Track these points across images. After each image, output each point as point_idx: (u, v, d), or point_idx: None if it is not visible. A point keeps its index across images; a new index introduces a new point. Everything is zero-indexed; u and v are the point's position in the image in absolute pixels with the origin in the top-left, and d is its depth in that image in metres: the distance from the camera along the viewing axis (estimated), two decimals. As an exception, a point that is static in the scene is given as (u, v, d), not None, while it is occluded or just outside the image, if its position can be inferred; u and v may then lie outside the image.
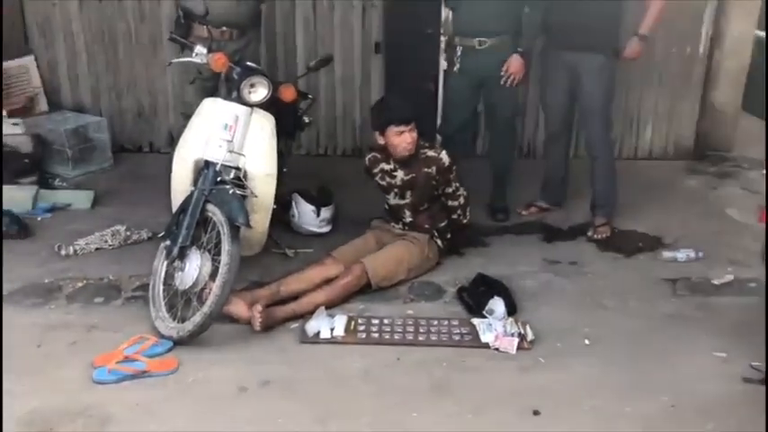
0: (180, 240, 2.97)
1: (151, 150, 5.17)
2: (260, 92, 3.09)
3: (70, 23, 4.90)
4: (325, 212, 3.91)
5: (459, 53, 3.97)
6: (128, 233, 3.80)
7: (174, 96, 5.01)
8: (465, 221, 3.54)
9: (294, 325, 3.04)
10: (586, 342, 2.97)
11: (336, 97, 5.08)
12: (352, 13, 4.92)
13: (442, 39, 4.77)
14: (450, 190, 3.43)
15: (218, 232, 2.97)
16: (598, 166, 3.98)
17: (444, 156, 3.35)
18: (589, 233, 3.94)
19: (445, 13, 4.71)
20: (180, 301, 2.98)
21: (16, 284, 3.31)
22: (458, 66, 3.99)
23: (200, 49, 3.06)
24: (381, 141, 3.37)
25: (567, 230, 4.06)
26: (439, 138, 4.25)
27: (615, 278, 3.53)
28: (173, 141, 5.11)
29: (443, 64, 4.83)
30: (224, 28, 3.73)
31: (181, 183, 3.18)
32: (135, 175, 4.74)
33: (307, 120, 3.88)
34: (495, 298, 3.09)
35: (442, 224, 3.50)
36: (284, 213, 3.87)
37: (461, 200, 3.48)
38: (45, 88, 4.99)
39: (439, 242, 3.49)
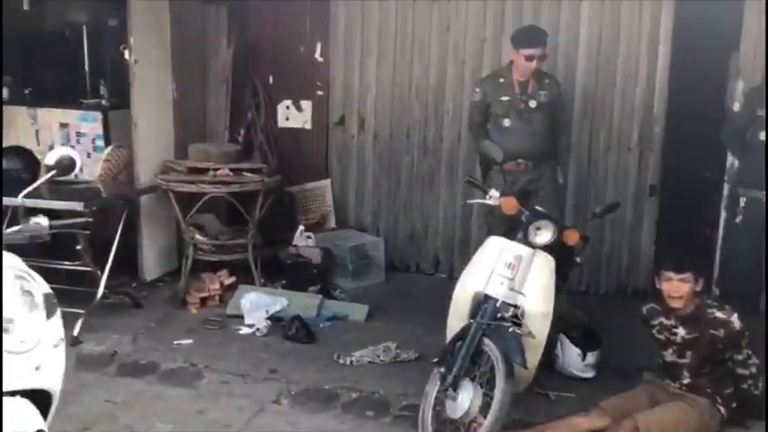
0: (455, 370, 3.09)
1: (417, 270, 5.53)
2: (545, 235, 3.22)
3: (364, 154, 5.56)
4: (591, 357, 3.82)
5: (742, 204, 3.77)
6: (397, 351, 4.05)
7: (444, 223, 5.39)
8: (757, 392, 3.21)
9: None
10: None
11: (605, 236, 5.04)
12: (629, 157, 4.93)
13: (725, 186, 4.58)
14: (739, 357, 3.16)
15: (492, 367, 3.06)
16: None
17: (736, 320, 3.11)
18: None
19: (730, 160, 4.55)
20: (447, 430, 3.07)
21: (301, 386, 3.69)
22: (740, 217, 3.79)
23: (493, 192, 3.29)
24: (657, 285, 3.26)
25: None
26: (716, 290, 4.00)
27: None
28: (438, 265, 5.46)
29: (724, 213, 4.62)
30: (519, 160, 4.03)
31: (459, 311, 3.35)
32: (403, 293, 5.09)
33: (579, 260, 3.90)
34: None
35: (728, 391, 3.21)
36: (548, 353, 3.85)
37: (753, 369, 3.17)
38: (335, 208, 5.65)
39: (722, 410, 3.19)
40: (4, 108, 5.57)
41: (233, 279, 4.76)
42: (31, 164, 4.48)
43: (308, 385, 3.70)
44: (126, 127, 5.04)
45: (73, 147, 5.34)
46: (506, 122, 4.14)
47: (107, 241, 4.38)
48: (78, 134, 5.51)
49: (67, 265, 4.19)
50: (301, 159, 5.60)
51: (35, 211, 3.03)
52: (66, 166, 2.73)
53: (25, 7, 5.04)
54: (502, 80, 4.20)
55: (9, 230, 2.50)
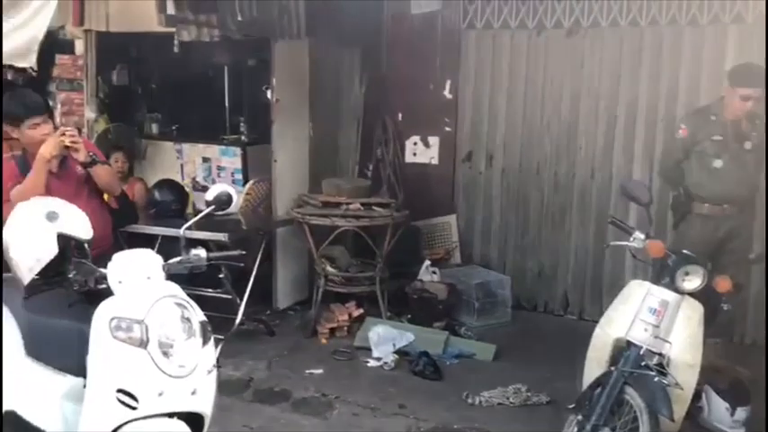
0: (594, 418, 2.96)
1: (545, 310, 5.39)
2: (694, 281, 3.05)
3: (491, 190, 5.53)
4: (741, 413, 3.55)
5: None
6: (528, 393, 3.95)
7: (575, 262, 5.24)
8: None
9: None
10: None
11: (752, 281, 4.71)
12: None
13: None
14: None
15: (635, 418, 2.91)
16: None
17: None
18: None
19: None
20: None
21: (430, 423, 3.67)
22: None
23: (637, 234, 3.17)
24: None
25: None
26: None
27: None
28: (567, 305, 5.30)
29: None
30: (725, 205, 3.86)
31: (597, 357, 3.22)
32: (531, 333, 4.97)
33: (725, 307, 3.65)
34: None
35: None
36: (691, 404, 3.62)
37: None
38: (461, 243, 5.64)
39: None
40: (155, 143, 6.03)
41: (361, 311, 4.85)
42: (180, 196, 4.80)
43: (438, 423, 3.68)
44: (263, 162, 5.30)
45: (215, 180, 5.72)
46: (717, 163, 3.87)
47: (245, 270, 4.59)
48: (219, 168, 5.86)
49: (210, 293, 4.42)
50: (428, 194, 5.65)
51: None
52: (223, 201, 2.91)
53: (175, 50, 5.44)
54: (713, 117, 3.91)
55: (171, 261, 2.68)
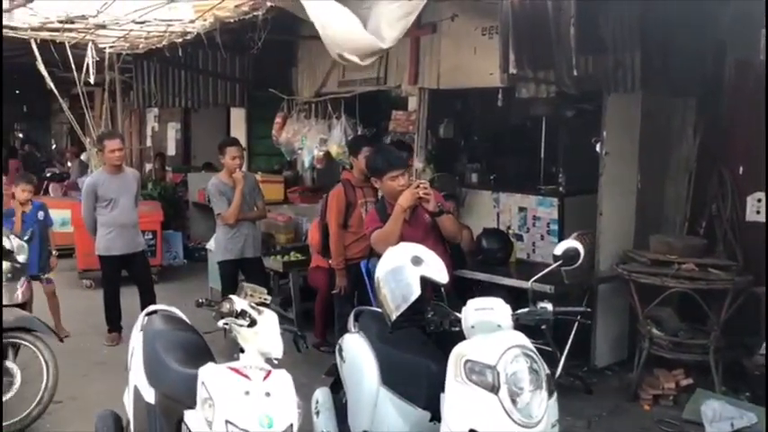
0: None
1: None
2: None
3: None
4: None
5: None
6: None
7: None
8: None
9: None
10: None
11: None
12: None
13: None
14: None
15: None
16: None
17: None
18: None
19: None
20: None
21: None
22: None
23: None
24: None
25: None
26: None
27: None
28: None
29: None
30: None
31: None
32: None
33: None
34: None
35: None
36: None
37: None
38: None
39: None
40: (474, 191, 6.31)
41: (689, 381, 4.47)
42: (505, 245, 4.95)
43: None
44: (581, 213, 5.23)
45: (529, 229, 5.81)
46: None
47: (565, 323, 4.54)
48: (534, 218, 5.92)
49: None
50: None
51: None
52: (570, 257, 2.94)
53: (499, 104, 5.69)
54: None
55: (520, 312, 2.76)
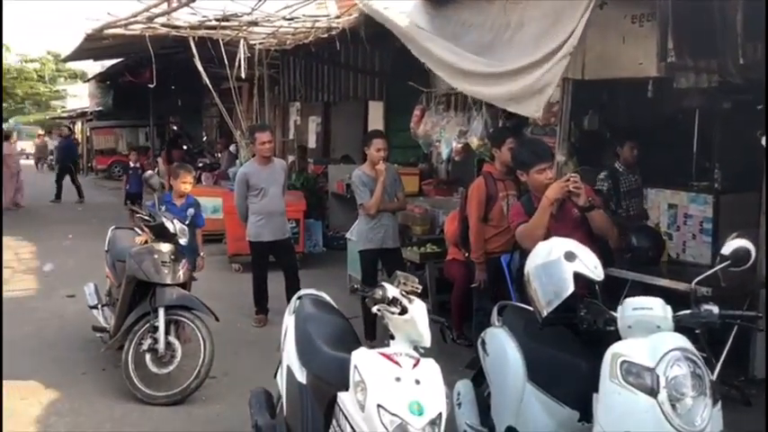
0: None
1: None
2: None
3: None
4: None
5: None
6: None
7: None
8: None
9: None
10: None
11: None
12: None
13: None
14: None
15: None
16: None
17: None
18: None
19: None
20: None
21: None
22: None
23: None
24: None
25: None
26: None
27: None
28: None
29: None
30: None
31: None
32: None
33: None
34: None
35: None
36: None
37: None
38: None
39: None
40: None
41: None
42: (657, 243, 4.71)
43: None
44: (739, 212, 4.88)
45: (679, 228, 5.49)
46: None
47: (720, 329, 4.25)
48: (685, 216, 5.60)
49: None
50: None
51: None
52: (740, 257, 2.75)
53: (649, 95, 5.39)
54: None
55: (682, 313, 2.62)
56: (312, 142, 12.97)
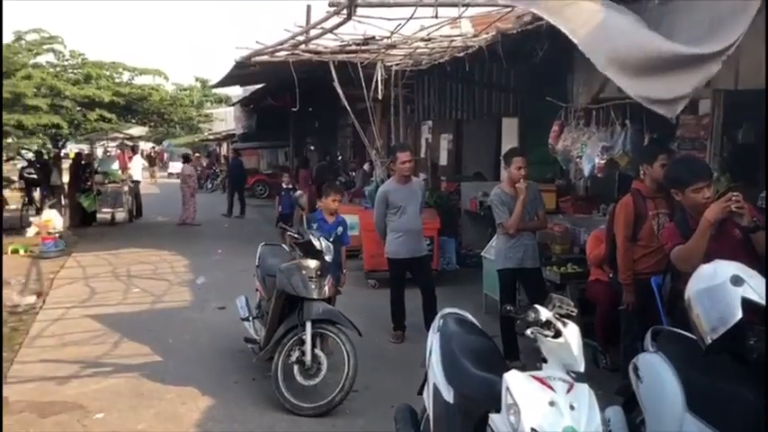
0: None
1: None
2: None
3: None
4: None
5: None
6: None
7: None
8: None
9: None
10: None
11: None
12: None
13: None
14: None
15: None
16: None
17: None
18: None
19: None
20: None
21: None
22: None
23: None
24: None
25: None
26: None
27: None
28: None
29: None
30: None
31: None
32: None
33: None
34: None
35: None
36: None
37: None
38: None
39: None
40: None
41: None
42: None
43: None
44: None
45: None
46: None
47: None
48: None
49: None
50: None
51: None
52: None
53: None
54: None
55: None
56: (443, 159, 13.05)
